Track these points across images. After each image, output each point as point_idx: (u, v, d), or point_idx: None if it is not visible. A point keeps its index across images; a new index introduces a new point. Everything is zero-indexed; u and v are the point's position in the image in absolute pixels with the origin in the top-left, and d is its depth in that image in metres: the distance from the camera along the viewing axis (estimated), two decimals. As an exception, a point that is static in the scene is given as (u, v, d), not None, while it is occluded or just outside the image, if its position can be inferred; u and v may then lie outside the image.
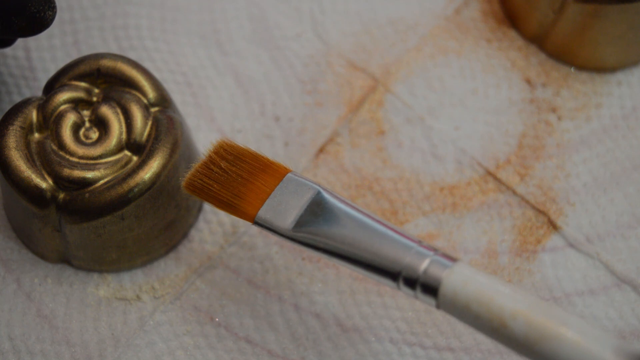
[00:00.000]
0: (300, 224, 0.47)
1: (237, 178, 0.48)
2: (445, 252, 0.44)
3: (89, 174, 0.49)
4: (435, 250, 0.44)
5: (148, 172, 0.49)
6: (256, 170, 0.48)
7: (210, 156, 0.48)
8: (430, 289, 0.43)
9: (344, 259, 0.46)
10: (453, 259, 0.43)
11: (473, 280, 0.42)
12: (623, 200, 0.55)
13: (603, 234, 0.55)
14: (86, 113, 0.51)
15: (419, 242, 0.44)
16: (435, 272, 0.43)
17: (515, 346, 0.41)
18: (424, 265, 0.43)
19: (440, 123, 0.57)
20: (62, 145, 0.50)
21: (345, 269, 0.53)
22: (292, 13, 0.60)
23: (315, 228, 0.46)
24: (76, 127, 0.50)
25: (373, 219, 0.46)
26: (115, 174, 0.49)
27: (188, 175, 0.48)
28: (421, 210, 0.55)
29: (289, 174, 0.48)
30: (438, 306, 0.43)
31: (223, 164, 0.48)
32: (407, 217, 0.55)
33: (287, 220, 0.47)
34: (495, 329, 0.41)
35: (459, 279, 0.42)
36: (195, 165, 0.48)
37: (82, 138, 0.50)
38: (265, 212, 0.47)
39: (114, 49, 0.58)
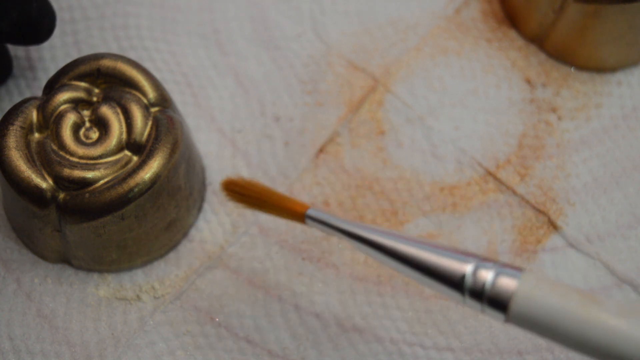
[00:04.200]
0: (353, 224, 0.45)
1: (274, 193, 0.47)
2: (507, 263, 0.41)
3: (89, 174, 0.49)
4: (495, 262, 0.41)
5: (148, 172, 0.49)
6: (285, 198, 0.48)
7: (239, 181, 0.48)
8: (499, 303, 0.40)
9: (405, 260, 0.42)
10: (518, 269, 0.40)
11: (548, 280, 0.40)
12: (623, 200, 0.55)
13: (603, 234, 0.55)
14: (86, 113, 0.51)
15: (477, 256, 0.41)
16: (504, 282, 0.40)
17: (606, 328, 0.38)
18: (489, 276, 0.40)
19: (440, 123, 0.57)
20: (62, 145, 0.50)
21: (346, 268, 0.53)
22: (292, 13, 0.60)
23: (373, 226, 0.44)
24: (76, 127, 0.50)
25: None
26: (115, 174, 0.49)
27: (228, 179, 0.48)
28: (421, 210, 0.55)
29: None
30: (507, 319, 0.40)
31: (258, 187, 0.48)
32: (407, 217, 0.55)
33: (341, 219, 0.45)
34: (587, 310, 0.38)
35: (533, 280, 0.40)
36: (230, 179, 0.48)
37: (82, 138, 0.50)
38: (316, 211, 0.45)
39: (114, 49, 0.58)
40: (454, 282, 0.41)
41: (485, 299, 0.40)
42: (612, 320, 0.38)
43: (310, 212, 0.46)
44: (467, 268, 0.41)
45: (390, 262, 0.43)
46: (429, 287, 0.42)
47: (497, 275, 0.40)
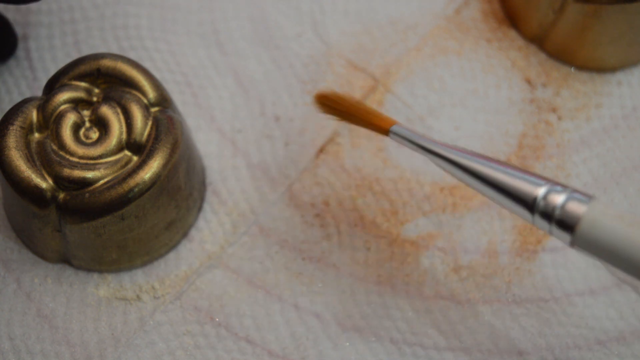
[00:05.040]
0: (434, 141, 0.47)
1: (361, 109, 0.50)
2: (579, 189, 0.43)
3: (89, 174, 0.49)
4: (567, 187, 0.43)
5: (148, 172, 0.49)
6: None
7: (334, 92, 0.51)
8: (566, 225, 0.42)
9: (479, 178, 0.45)
10: (589, 195, 0.43)
11: (615, 208, 0.42)
12: (623, 200, 0.55)
13: (603, 234, 0.55)
14: (86, 113, 0.51)
15: (550, 180, 0.44)
16: (573, 206, 0.42)
17: None
18: (560, 199, 0.42)
19: (440, 123, 0.57)
20: (62, 145, 0.50)
21: (346, 268, 0.53)
22: (292, 13, 0.60)
23: (452, 146, 0.47)
24: (76, 127, 0.50)
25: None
26: (115, 174, 0.49)
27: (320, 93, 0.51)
28: (421, 210, 0.55)
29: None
30: (573, 242, 0.42)
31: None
32: (407, 217, 0.55)
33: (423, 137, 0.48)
34: None
35: (600, 207, 0.42)
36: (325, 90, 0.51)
37: (82, 138, 0.50)
38: (399, 128, 0.48)
39: (114, 49, 0.58)
40: (527, 203, 0.43)
41: (554, 221, 0.43)
42: None
43: (394, 128, 0.49)
44: (540, 191, 0.43)
45: (468, 179, 0.46)
46: (502, 205, 0.45)
47: (567, 199, 0.42)
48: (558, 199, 0.43)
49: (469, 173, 0.45)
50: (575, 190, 0.43)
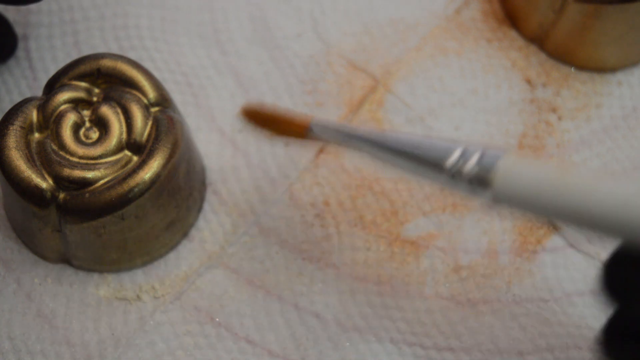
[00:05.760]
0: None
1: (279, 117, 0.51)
2: (491, 146, 0.43)
3: (89, 174, 0.49)
4: (481, 146, 0.43)
5: (148, 172, 0.49)
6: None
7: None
8: (484, 180, 0.42)
9: (399, 152, 0.45)
10: (502, 149, 0.42)
11: (528, 156, 0.41)
12: (623, 200, 0.55)
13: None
14: (86, 113, 0.51)
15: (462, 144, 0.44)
16: (488, 161, 0.42)
17: (582, 189, 0.39)
18: (474, 158, 0.42)
19: (440, 123, 0.57)
20: (62, 145, 0.50)
21: (346, 268, 0.53)
22: (292, 13, 0.60)
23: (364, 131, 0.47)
24: (76, 127, 0.50)
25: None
26: (116, 174, 0.49)
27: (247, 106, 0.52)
28: (421, 210, 0.55)
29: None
30: (494, 199, 0.41)
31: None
32: (407, 217, 0.55)
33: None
34: (563, 174, 0.40)
35: (514, 157, 0.41)
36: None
37: (83, 138, 0.50)
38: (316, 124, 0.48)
39: (114, 49, 0.58)
40: (444, 167, 0.43)
41: (474, 180, 0.42)
42: (588, 181, 0.39)
43: (313, 121, 0.49)
44: (455, 154, 0.43)
45: (390, 157, 0.45)
46: (421, 176, 0.44)
47: (481, 156, 0.42)
48: (473, 157, 0.42)
49: (387, 149, 0.45)
50: (488, 147, 0.42)
